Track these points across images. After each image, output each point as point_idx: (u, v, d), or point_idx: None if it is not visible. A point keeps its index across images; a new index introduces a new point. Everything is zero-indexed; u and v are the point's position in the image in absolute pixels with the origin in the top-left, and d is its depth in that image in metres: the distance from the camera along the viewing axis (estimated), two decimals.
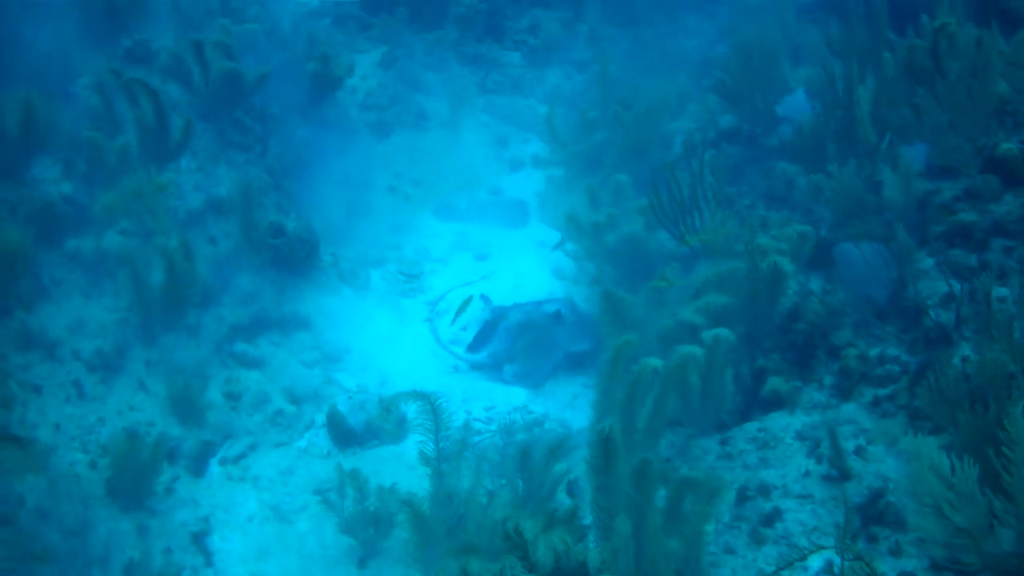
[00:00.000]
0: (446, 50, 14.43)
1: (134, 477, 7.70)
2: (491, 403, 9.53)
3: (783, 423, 7.11)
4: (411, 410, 8.55)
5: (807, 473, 6.48)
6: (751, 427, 7.22)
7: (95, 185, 9.57)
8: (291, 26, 14.21)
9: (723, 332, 7.18)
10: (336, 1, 15.89)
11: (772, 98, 10.59)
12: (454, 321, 10.37)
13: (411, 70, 13.91)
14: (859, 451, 6.42)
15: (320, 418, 9.16)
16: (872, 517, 5.93)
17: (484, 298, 10.45)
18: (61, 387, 8.50)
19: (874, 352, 7.17)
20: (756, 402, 7.68)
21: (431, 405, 6.90)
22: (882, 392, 6.91)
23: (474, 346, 10.19)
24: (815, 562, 5.63)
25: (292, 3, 16.27)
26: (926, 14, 9.33)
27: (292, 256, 10.31)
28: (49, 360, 8.64)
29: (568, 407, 9.52)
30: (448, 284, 11.30)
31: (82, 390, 8.54)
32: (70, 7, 11.98)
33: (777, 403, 7.44)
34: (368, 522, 7.63)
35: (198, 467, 8.46)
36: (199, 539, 7.83)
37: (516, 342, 10.00)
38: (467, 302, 10.20)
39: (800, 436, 6.88)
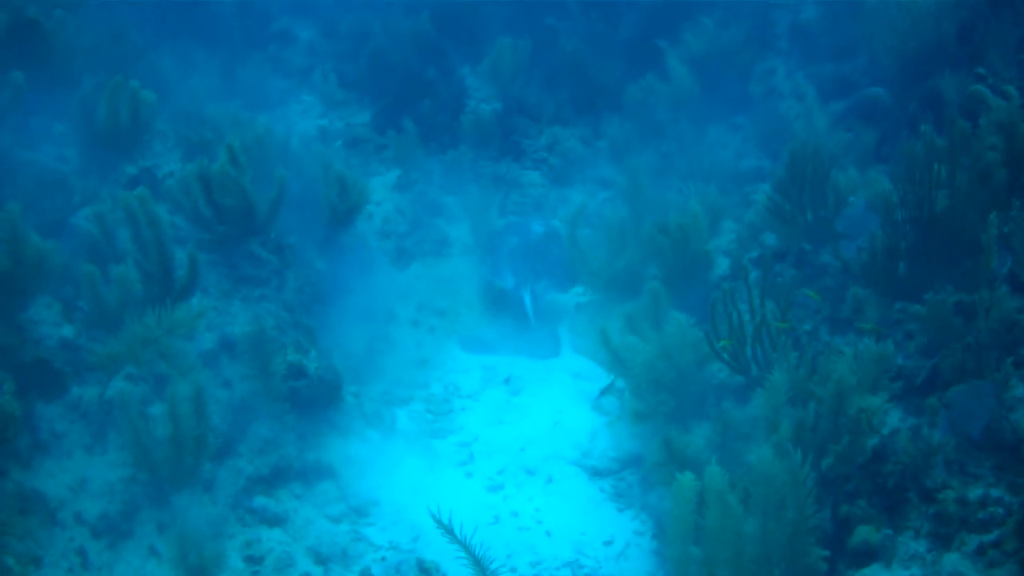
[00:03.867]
0: (463, 171, 13.86)
1: None
2: (537, 557, 8.68)
3: None
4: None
5: None
6: None
7: (98, 327, 8.77)
8: (303, 147, 13.67)
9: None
10: (347, 123, 15.42)
11: (824, 213, 9.92)
12: None
13: (428, 193, 13.32)
14: None
15: None
16: None
17: None
18: (64, 556, 7.61)
19: (974, 494, 6.44)
20: (842, 554, 6.86)
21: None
22: (987, 538, 6.16)
23: None
24: None
25: (300, 124, 15.85)
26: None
27: (314, 400, 9.50)
28: (50, 525, 7.75)
29: (621, 557, 8.74)
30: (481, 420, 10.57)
31: (87, 559, 7.68)
32: (71, 128, 11.46)
33: (869, 555, 6.65)
34: None
35: None
36: None
37: None
38: None
39: None
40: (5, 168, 10.44)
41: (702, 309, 9.36)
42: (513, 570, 8.50)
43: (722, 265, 10.86)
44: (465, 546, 6.31)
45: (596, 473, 9.77)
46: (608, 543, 8.94)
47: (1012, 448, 6.60)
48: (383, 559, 8.43)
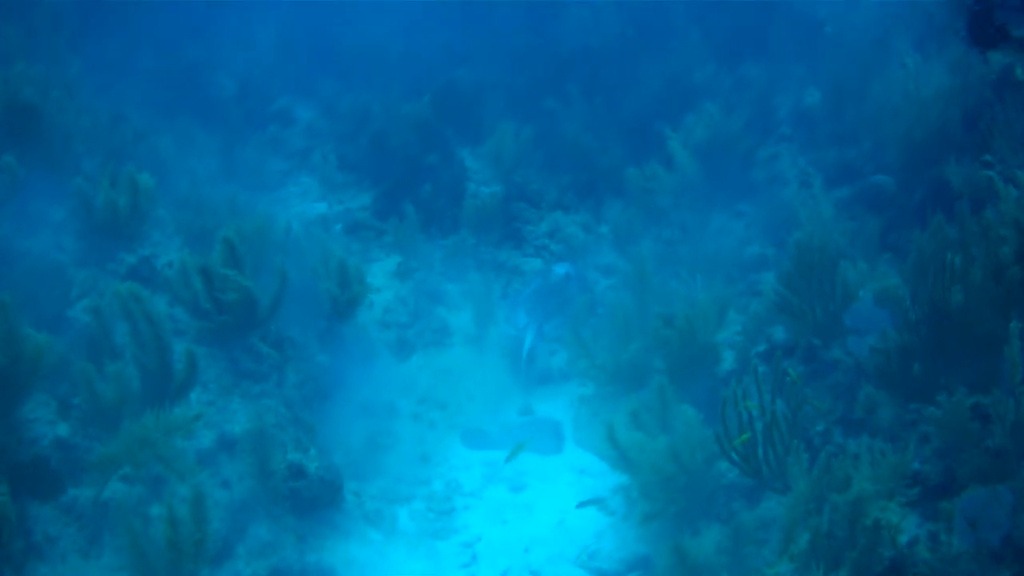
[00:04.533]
0: (464, 257, 13.72)
1: None
2: None
3: None
4: None
5: None
6: None
7: (95, 425, 8.56)
8: (303, 232, 13.55)
9: None
10: (347, 207, 15.32)
11: (833, 307, 9.75)
12: None
13: (429, 281, 13.17)
14: None
15: None
16: None
17: None
18: None
19: None
20: None
21: None
22: None
23: None
24: None
25: (299, 207, 15.76)
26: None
27: (314, 500, 9.29)
28: None
29: None
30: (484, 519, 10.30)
31: None
32: (69, 215, 11.31)
33: None
34: None
35: None
36: None
37: None
38: None
39: None
40: (2, 258, 10.30)
41: (709, 403, 9.22)
42: None
43: (728, 359, 10.66)
44: None
45: None
46: None
47: None
48: None
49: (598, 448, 10.06)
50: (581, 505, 10.10)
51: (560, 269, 13.08)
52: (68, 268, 10.46)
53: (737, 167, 14.91)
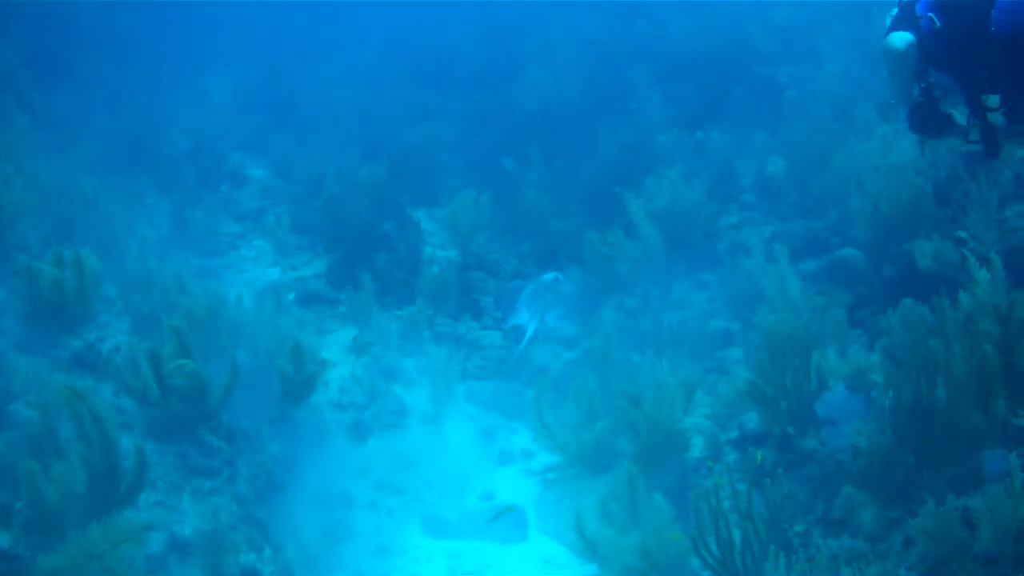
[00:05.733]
0: (421, 329, 13.33)
1: None
2: None
3: None
4: None
5: None
6: None
7: (38, 532, 8.02)
8: (256, 304, 13.12)
9: None
10: (301, 275, 14.91)
11: (806, 395, 9.47)
12: None
13: (386, 357, 12.75)
14: None
15: None
16: None
17: None
18: None
19: None
20: None
21: None
22: None
23: None
24: None
25: (252, 272, 15.36)
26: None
27: None
28: None
29: None
30: None
31: None
32: (11, 296, 10.80)
33: None
34: None
35: None
36: None
37: None
38: None
39: None
40: None
41: (679, 491, 9.09)
42: None
43: (698, 444, 10.31)
44: None
45: None
46: None
47: None
48: None
49: (565, 537, 9.68)
50: None
51: (548, 276, 13.52)
52: (9, 354, 9.94)
53: (699, 235, 14.64)
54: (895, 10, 7.93)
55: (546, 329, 13.24)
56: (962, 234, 11.18)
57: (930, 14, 7.36)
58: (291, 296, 14.31)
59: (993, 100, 7.32)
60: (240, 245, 16.44)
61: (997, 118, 7.36)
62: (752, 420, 10.05)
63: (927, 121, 7.76)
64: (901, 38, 7.42)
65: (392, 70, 24.30)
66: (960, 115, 7.76)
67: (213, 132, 19.72)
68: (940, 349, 7.93)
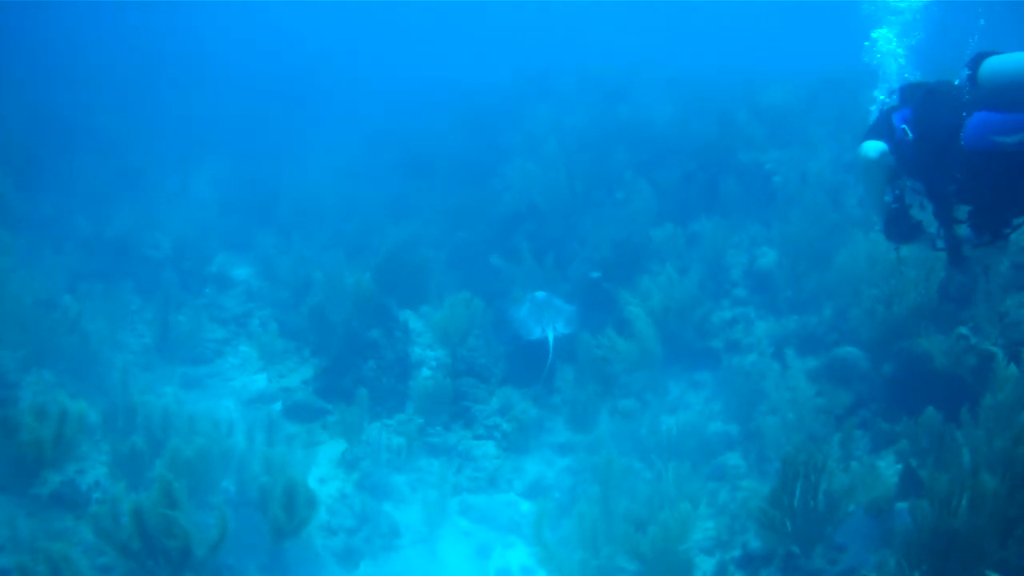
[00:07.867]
0: (412, 439, 12.93)
1: None
2: None
3: None
4: None
5: None
6: None
7: None
8: (241, 417, 12.82)
9: None
10: (287, 385, 14.54)
11: (815, 516, 9.14)
12: None
13: (376, 473, 12.31)
14: None
15: None
16: None
17: None
18: None
19: None
20: None
21: None
22: None
23: None
24: None
25: (238, 380, 15.06)
26: None
27: None
28: None
29: None
30: None
31: None
32: None
33: None
34: None
35: None
36: None
37: None
38: None
39: None
40: None
41: None
42: None
43: (701, 566, 9.99)
44: None
45: None
46: None
47: None
48: None
49: None
50: None
51: (540, 294, 14.92)
52: None
53: (692, 333, 14.35)
54: (874, 108, 8.03)
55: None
56: (964, 330, 10.98)
57: (903, 126, 7.43)
58: (278, 406, 13.94)
59: (962, 211, 7.33)
60: (226, 351, 16.10)
61: (964, 229, 7.35)
62: (756, 539, 9.75)
63: (899, 227, 7.84)
64: (874, 147, 7.61)
65: (376, 162, 24.25)
66: (929, 223, 7.79)
67: (196, 230, 19.45)
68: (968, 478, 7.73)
